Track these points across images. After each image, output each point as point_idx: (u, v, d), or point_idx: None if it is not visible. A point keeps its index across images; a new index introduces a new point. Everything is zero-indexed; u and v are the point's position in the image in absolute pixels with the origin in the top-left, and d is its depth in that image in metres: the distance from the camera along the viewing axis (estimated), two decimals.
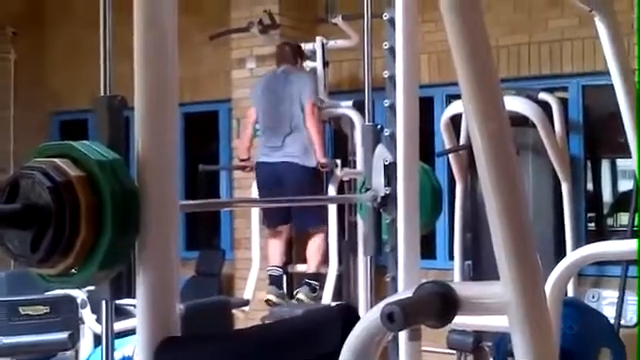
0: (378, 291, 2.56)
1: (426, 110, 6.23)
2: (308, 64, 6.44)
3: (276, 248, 6.15)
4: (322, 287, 5.97)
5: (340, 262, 6.04)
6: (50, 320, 3.75)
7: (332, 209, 5.92)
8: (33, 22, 8.44)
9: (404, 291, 1.43)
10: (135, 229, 1.36)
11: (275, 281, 6.04)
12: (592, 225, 6.83)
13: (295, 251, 6.49)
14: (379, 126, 2.61)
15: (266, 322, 5.63)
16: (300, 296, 5.96)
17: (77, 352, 4.00)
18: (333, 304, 5.65)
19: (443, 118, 5.82)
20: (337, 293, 6.03)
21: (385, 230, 2.52)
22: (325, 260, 6.02)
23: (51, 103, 8.59)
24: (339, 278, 6.06)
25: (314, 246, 6.07)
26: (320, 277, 6.04)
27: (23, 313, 3.71)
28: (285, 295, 6.08)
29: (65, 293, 3.85)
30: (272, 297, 5.93)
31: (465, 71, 1.13)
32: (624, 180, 7.64)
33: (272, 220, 6.15)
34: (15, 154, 8.01)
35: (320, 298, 5.93)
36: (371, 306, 1.32)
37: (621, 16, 2.35)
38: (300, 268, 6.32)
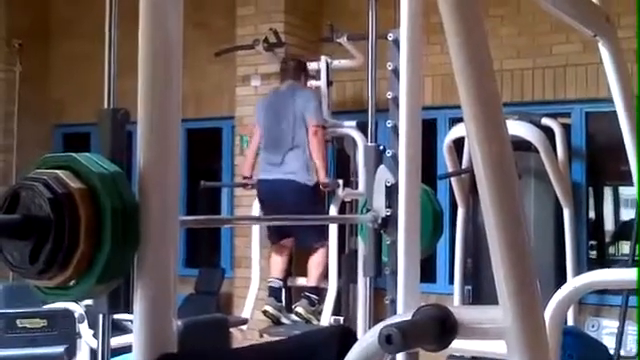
0: (377, 312, 2.54)
1: (429, 132, 6.25)
2: (312, 83, 6.46)
3: (278, 262, 6.14)
4: (321, 301, 5.95)
5: (340, 277, 6.02)
6: (47, 334, 3.74)
7: (333, 228, 5.91)
8: (39, 35, 8.49)
9: (403, 313, 1.42)
10: (135, 243, 1.36)
11: (274, 293, 6.02)
12: (593, 253, 6.81)
13: (295, 265, 6.48)
14: (381, 147, 2.61)
15: (264, 337, 5.62)
16: (299, 309, 5.92)
17: None
18: (332, 320, 5.66)
19: (446, 141, 5.83)
20: (337, 309, 6.00)
21: (385, 252, 2.51)
22: (325, 275, 6.00)
23: (55, 115, 8.62)
24: (338, 295, 6.04)
25: (315, 260, 6.06)
26: (320, 291, 6.02)
27: (20, 326, 3.70)
28: (283, 308, 6.05)
29: (63, 307, 3.85)
30: (270, 308, 5.91)
31: (468, 94, 1.13)
32: (626, 209, 7.63)
33: (276, 235, 6.14)
34: (18, 165, 8.02)
35: (319, 312, 5.90)
36: (369, 327, 1.31)
37: (625, 43, 2.36)
38: (300, 282, 6.31)
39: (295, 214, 5.76)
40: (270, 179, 5.92)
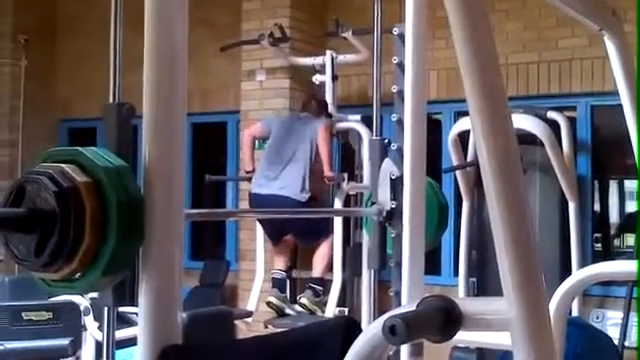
0: (381, 304, 2.55)
1: (434, 126, 6.25)
2: (317, 77, 6.47)
3: (281, 258, 6.18)
4: (326, 293, 5.97)
5: (344, 269, 6.04)
6: (52, 326, 3.76)
7: (338, 221, 5.93)
8: (45, 31, 8.50)
9: (407, 305, 1.43)
10: (140, 236, 1.36)
11: (278, 284, 6.05)
12: (598, 245, 6.82)
13: (300, 257, 6.50)
14: (386, 140, 2.61)
15: (269, 328, 5.64)
16: (303, 300, 5.94)
17: (78, 359, 4.00)
18: (336, 311, 5.67)
19: (451, 134, 5.82)
20: (341, 301, 6.02)
21: (390, 244, 2.52)
22: (330, 267, 6.02)
23: (60, 110, 8.63)
24: (343, 286, 6.05)
25: (320, 252, 6.08)
26: (324, 283, 6.03)
27: (26, 318, 3.72)
28: (287, 299, 6.07)
29: (68, 300, 3.86)
30: (273, 299, 5.93)
31: (473, 88, 1.13)
32: (631, 201, 7.63)
33: (275, 236, 6.17)
34: (23, 160, 8.04)
35: (324, 304, 5.91)
36: (374, 319, 1.32)
37: (631, 37, 2.35)
38: (304, 274, 6.33)
39: (289, 227, 5.83)
40: (263, 194, 5.93)
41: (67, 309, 3.85)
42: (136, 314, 1.40)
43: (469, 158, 5.81)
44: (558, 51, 6.18)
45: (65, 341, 3.72)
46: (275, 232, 6.10)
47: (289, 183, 5.88)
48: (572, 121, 6.08)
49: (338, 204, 5.96)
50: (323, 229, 5.92)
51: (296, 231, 5.99)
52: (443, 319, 1.09)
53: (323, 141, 5.92)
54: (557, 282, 2.35)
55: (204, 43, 7.01)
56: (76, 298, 3.88)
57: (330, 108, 6.31)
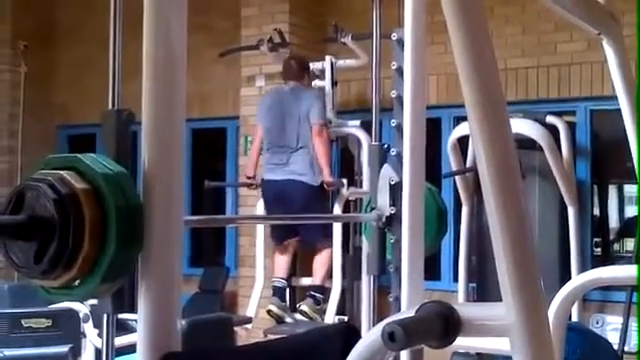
0: (381, 310, 2.55)
1: (433, 131, 6.25)
2: (317, 83, 6.47)
3: (282, 262, 6.16)
4: (326, 300, 5.96)
5: (344, 276, 6.03)
6: (52, 333, 3.75)
7: (337, 227, 5.92)
8: (44, 37, 8.51)
9: (406, 311, 1.43)
10: (139, 243, 1.36)
11: (278, 292, 6.04)
12: (598, 250, 6.80)
13: (300, 264, 6.49)
14: (386, 146, 2.61)
15: (269, 336, 5.64)
16: (304, 308, 5.93)
17: None
18: (336, 319, 5.67)
19: (450, 139, 5.82)
20: (341, 308, 6.01)
21: (389, 250, 2.51)
22: (331, 274, 6.01)
23: (60, 117, 8.63)
24: (343, 293, 6.05)
25: (321, 259, 6.07)
26: (325, 290, 6.03)
27: (25, 325, 3.71)
28: (287, 307, 6.07)
29: (67, 307, 3.86)
30: (274, 308, 5.91)
31: (472, 94, 1.13)
32: (631, 206, 7.62)
33: (279, 235, 6.15)
34: (23, 167, 8.04)
35: (324, 311, 5.90)
36: (373, 325, 1.31)
37: (629, 40, 2.36)
38: (304, 281, 6.32)
39: (301, 213, 5.78)
40: (276, 179, 5.93)
41: (66, 316, 3.85)
42: (135, 321, 1.40)
43: (468, 163, 5.81)
44: (557, 56, 6.18)
45: (64, 348, 3.72)
46: (282, 229, 6.05)
47: (301, 169, 5.90)
48: (571, 126, 6.09)
49: (338, 210, 5.96)
50: (328, 226, 5.91)
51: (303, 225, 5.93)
52: (442, 325, 1.09)
53: (321, 145, 5.90)
54: (557, 287, 2.35)
55: (203, 49, 7.01)
56: (75, 305, 3.88)
57: (329, 114, 6.29)
